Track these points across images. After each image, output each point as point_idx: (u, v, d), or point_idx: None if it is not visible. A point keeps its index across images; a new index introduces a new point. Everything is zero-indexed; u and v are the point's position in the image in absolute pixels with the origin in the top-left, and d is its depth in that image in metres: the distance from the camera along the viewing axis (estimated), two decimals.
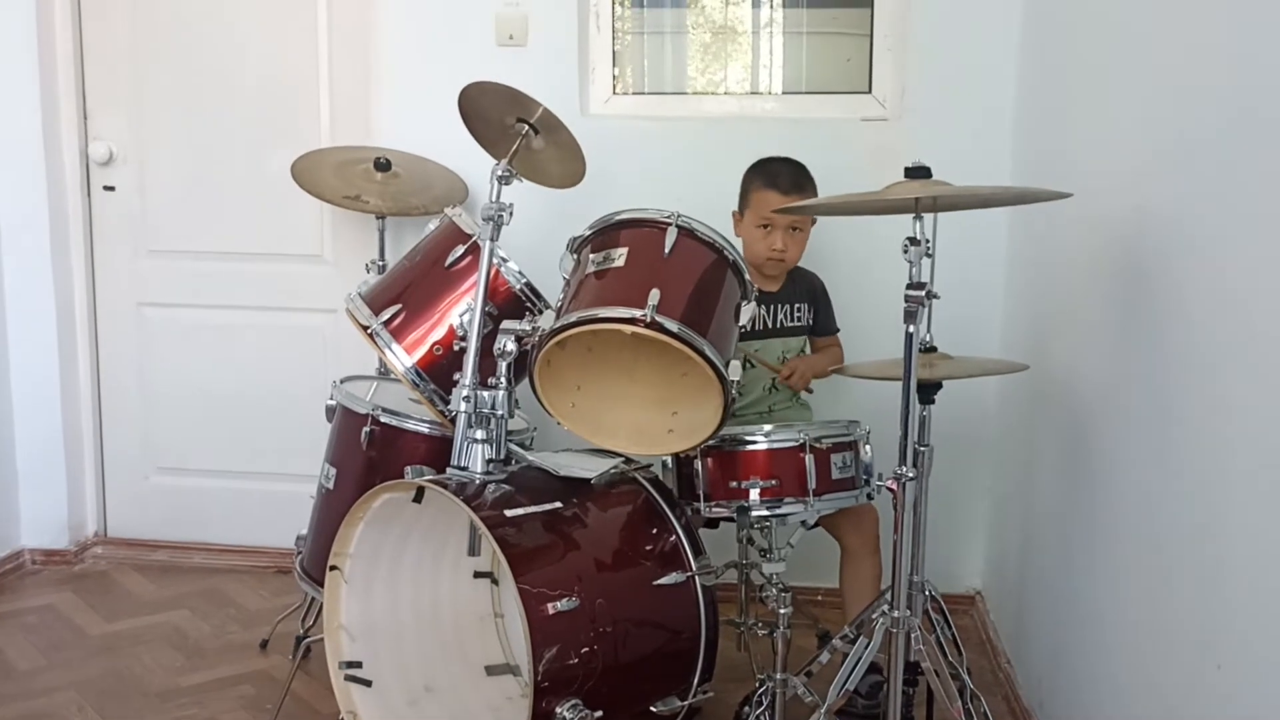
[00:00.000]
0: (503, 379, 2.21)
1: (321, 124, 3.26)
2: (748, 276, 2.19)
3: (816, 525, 2.37)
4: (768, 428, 2.29)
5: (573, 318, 2.06)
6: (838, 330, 2.71)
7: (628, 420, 2.24)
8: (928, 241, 1.88)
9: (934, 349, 2.09)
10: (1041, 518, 2.48)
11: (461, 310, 2.31)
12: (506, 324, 2.22)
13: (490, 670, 2.42)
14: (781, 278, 2.63)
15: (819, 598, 2.89)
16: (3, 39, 3.19)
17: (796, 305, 2.63)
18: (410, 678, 2.31)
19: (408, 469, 2.16)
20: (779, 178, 2.57)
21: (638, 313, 2.00)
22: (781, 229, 2.54)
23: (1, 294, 3.27)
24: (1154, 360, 1.77)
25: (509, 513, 2.05)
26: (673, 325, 2.01)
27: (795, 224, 2.55)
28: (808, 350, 2.69)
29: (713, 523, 2.32)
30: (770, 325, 2.59)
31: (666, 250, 2.10)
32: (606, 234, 2.19)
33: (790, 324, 2.63)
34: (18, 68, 3.21)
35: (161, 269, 3.40)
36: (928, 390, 2.07)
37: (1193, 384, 1.62)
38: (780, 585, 2.18)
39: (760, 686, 2.20)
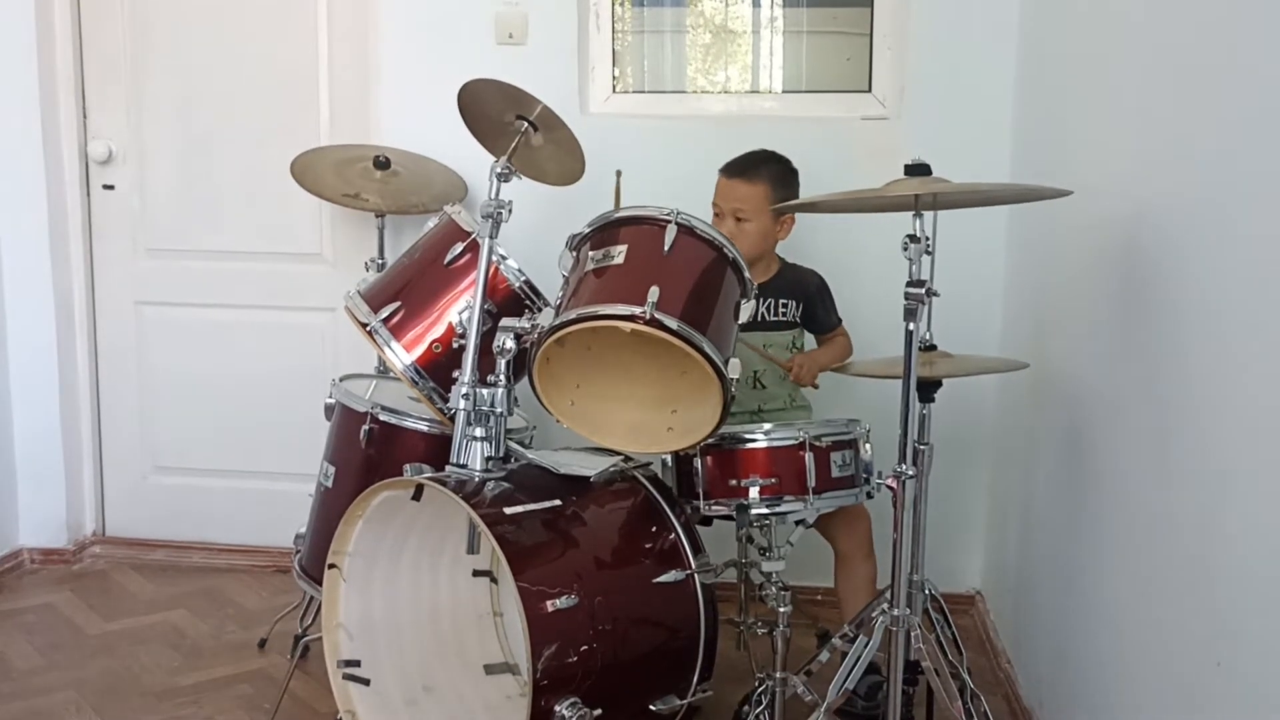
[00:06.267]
0: (502, 377, 2.21)
1: (321, 122, 3.25)
2: (747, 274, 2.19)
3: (814, 524, 2.37)
4: (767, 426, 2.28)
5: (572, 315, 2.06)
6: (839, 323, 2.70)
7: (627, 418, 2.24)
8: (928, 239, 1.88)
9: (934, 347, 2.09)
10: (1041, 517, 2.48)
11: (461, 308, 2.30)
12: (506, 321, 2.22)
13: (489, 669, 2.41)
14: (767, 270, 2.62)
15: (819, 597, 2.88)
16: (3, 38, 3.19)
17: (782, 301, 2.61)
18: (409, 676, 2.30)
19: (407, 467, 2.15)
20: (729, 163, 2.58)
21: (637, 310, 2.00)
22: (728, 217, 2.54)
23: (1, 293, 3.27)
24: (1154, 358, 1.77)
25: (508, 510, 2.04)
26: (672, 323, 2.00)
27: (739, 214, 2.54)
28: (800, 344, 2.67)
29: (706, 520, 2.31)
30: (751, 318, 2.56)
31: (666, 248, 2.10)
32: (606, 231, 2.18)
33: (773, 318, 2.60)
34: (17, 67, 3.20)
35: (160, 268, 3.40)
36: (928, 388, 2.06)
37: (1193, 382, 1.62)
38: (780, 584, 2.18)
39: (760, 685, 2.19)
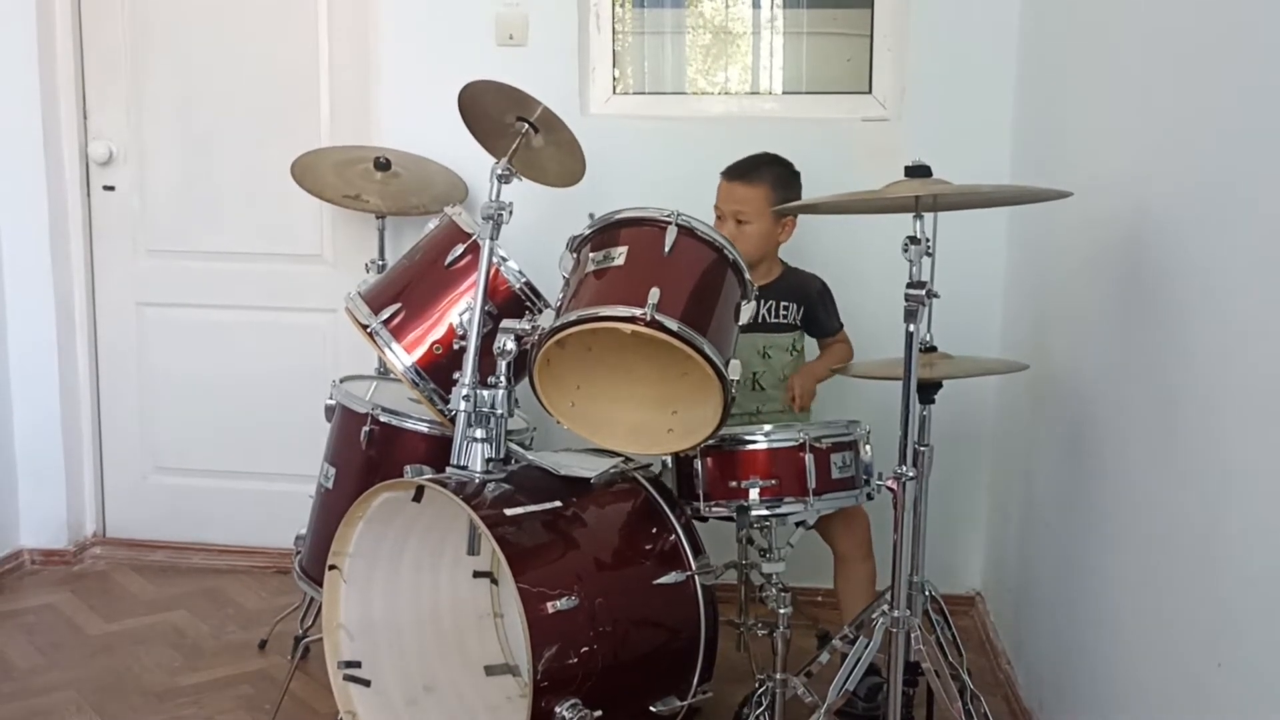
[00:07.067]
0: (502, 378, 2.21)
1: (321, 123, 3.26)
2: (748, 275, 2.19)
3: (813, 526, 2.37)
4: (767, 427, 2.28)
5: (572, 316, 2.06)
6: (840, 328, 2.70)
7: (627, 419, 2.24)
8: (928, 240, 1.88)
9: (934, 348, 2.09)
10: (1041, 517, 2.48)
11: (461, 309, 2.30)
12: (506, 323, 2.22)
13: (489, 670, 2.41)
14: (769, 273, 2.62)
15: (819, 598, 2.88)
16: (3, 38, 3.19)
17: (783, 304, 2.62)
18: (409, 677, 2.30)
19: (407, 468, 2.16)
20: (730, 166, 2.60)
21: (637, 311, 2.00)
22: (729, 219, 2.55)
23: (1, 293, 3.27)
24: (1154, 359, 1.77)
25: (508, 512, 2.04)
26: (672, 324, 2.00)
27: (740, 216, 2.54)
28: (800, 346, 2.67)
29: (702, 519, 2.31)
30: (751, 320, 2.55)
31: (666, 249, 2.10)
32: (606, 233, 2.18)
33: (773, 320, 2.60)
34: (18, 67, 3.20)
35: (161, 268, 3.40)
36: (928, 390, 2.06)
37: (1193, 383, 1.62)
38: (780, 585, 2.18)
39: (760, 687, 2.20)
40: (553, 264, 2.24)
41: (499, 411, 2.20)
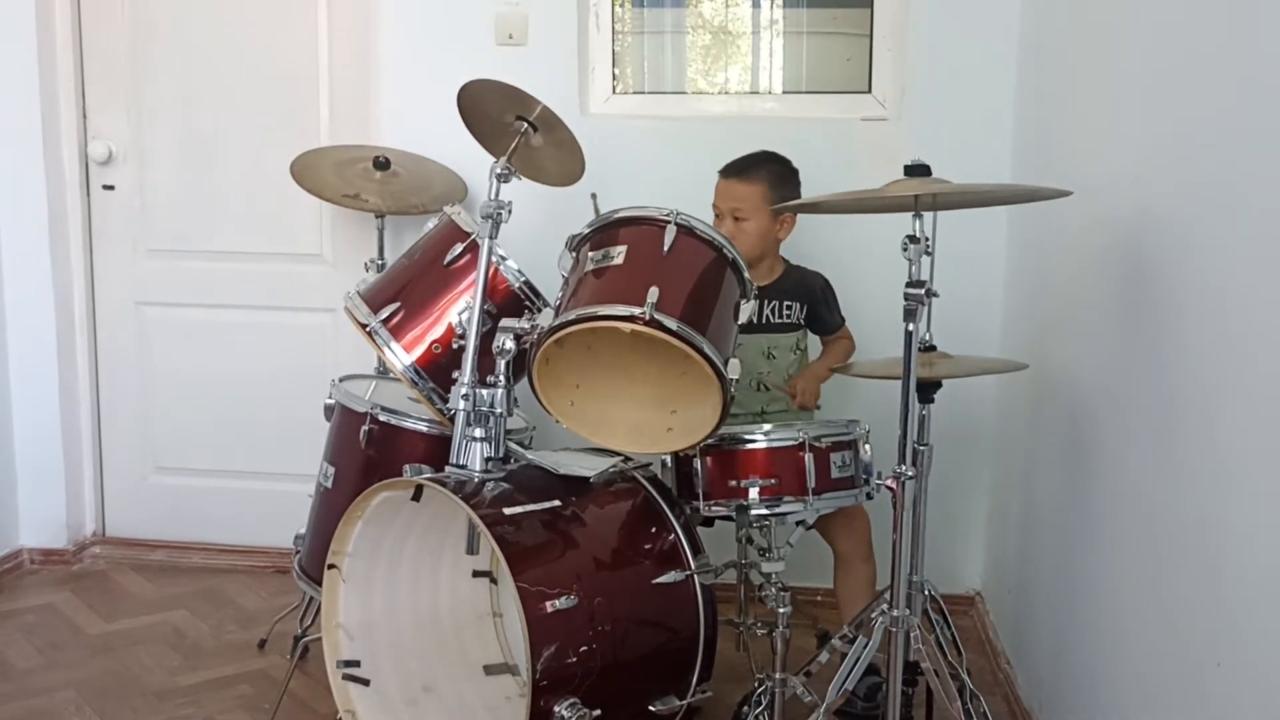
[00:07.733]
0: (501, 377, 2.21)
1: (321, 123, 3.26)
2: (747, 275, 2.19)
3: (814, 526, 2.37)
4: (767, 426, 2.28)
5: (571, 315, 2.06)
6: (842, 323, 2.70)
7: (627, 419, 2.24)
8: (927, 239, 1.88)
9: (933, 348, 2.09)
10: (1041, 517, 2.48)
11: (460, 308, 2.30)
12: (505, 322, 2.22)
13: (489, 670, 2.41)
14: (771, 272, 2.63)
15: (818, 598, 2.88)
16: (3, 38, 3.19)
17: (787, 303, 2.61)
18: (409, 677, 2.30)
19: (406, 467, 2.16)
20: (727, 164, 2.60)
21: (637, 310, 2.00)
22: (727, 217, 2.56)
23: (1, 293, 3.27)
24: (1154, 359, 1.77)
25: (507, 511, 2.04)
26: (672, 323, 2.00)
27: (737, 213, 2.55)
28: (804, 345, 2.67)
29: (708, 521, 2.31)
30: (755, 320, 2.53)
31: (665, 248, 2.10)
32: (605, 232, 2.18)
33: (777, 320, 2.61)
34: (17, 67, 3.21)
35: (161, 268, 3.40)
36: (927, 389, 2.06)
37: (1193, 383, 1.62)
38: (779, 585, 2.17)
39: (759, 686, 2.19)
40: (552, 263, 2.23)
41: (498, 411, 2.20)
